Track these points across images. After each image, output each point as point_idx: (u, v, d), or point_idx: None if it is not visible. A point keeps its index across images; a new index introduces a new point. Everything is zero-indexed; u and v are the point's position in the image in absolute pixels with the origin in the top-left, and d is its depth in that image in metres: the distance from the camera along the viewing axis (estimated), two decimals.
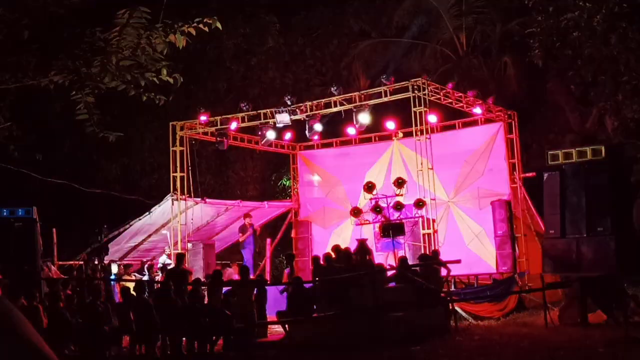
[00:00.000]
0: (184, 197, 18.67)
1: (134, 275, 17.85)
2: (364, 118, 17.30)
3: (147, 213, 19.01)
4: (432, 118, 17.96)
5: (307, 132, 18.39)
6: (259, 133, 19.06)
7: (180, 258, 15.74)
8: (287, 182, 24.43)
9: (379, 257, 16.62)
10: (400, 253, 16.24)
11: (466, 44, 24.34)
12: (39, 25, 7.38)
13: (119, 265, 18.52)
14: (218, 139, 18.96)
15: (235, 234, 22.42)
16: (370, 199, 17.56)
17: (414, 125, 16.73)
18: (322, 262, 14.53)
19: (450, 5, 23.87)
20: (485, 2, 23.75)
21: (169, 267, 16.69)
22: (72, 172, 23.16)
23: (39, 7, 7.22)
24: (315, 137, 19.87)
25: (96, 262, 17.05)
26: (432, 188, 16.53)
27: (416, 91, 16.58)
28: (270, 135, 18.88)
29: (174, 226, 18.71)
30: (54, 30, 7.61)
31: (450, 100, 17.91)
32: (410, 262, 14.35)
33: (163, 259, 18.71)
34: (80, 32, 7.61)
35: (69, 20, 7.69)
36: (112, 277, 17.42)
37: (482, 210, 18.46)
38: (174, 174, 18.79)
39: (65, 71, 7.64)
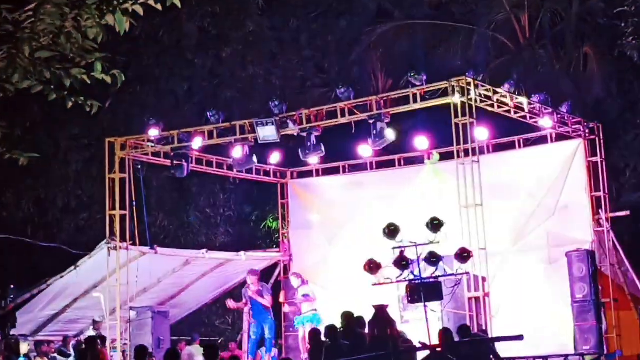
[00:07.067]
0: (125, 245, 18.64)
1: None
2: (389, 133, 17.36)
3: (72, 268, 18.95)
4: (482, 133, 18.00)
5: (302, 152, 18.41)
6: (232, 154, 19.05)
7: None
8: (274, 224, 24.42)
9: (405, 330, 16.57)
10: (437, 325, 16.18)
11: (529, 28, 24.49)
12: None
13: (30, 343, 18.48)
14: (175, 162, 18.95)
15: (198, 298, 22.42)
16: (393, 248, 17.52)
17: (455, 144, 16.75)
18: (323, 338, 14.47)
19: None
20: None
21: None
22: None
23: None
24: (315, 160, 19.89)
25: None
26: (482, 233, 16.52)
27: (458, 95, 16.63)
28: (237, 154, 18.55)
29: (110, 287, 18.65)
30: None
31: (507, 109, 17.96)
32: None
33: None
34: None
35: None
36: (21, 359, 17.34)
37: (554, 264, 18.45)
38: (112, 212, 18.77)
39: None
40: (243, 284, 22.25)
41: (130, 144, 19.21)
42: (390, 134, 17.39)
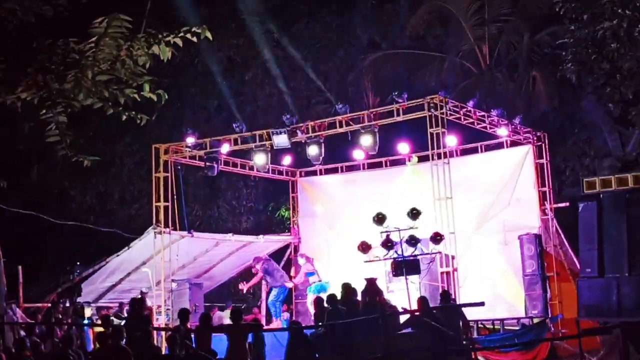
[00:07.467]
0: (168, 230, 18.64)
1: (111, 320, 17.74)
2: (366, 140, 17.38)
3: (126, 248, 18.99)
4: (451, 140, 18.00)
5: (308, 155, 18.42)
6: (253, 157, 19.08)
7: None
8: (286, 213, 24.41)
9: (390, 298, 16.55)
10: (416, 294, 16.16)
11: (489, 56, 24.42)
12: (4, 36, 7.44)
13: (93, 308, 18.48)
14: (207, 163, 18.98)
15: (226, 272, 22.38)
16: (381, 232, 17.51)
17: (430, 149, 16.76)
18: (326, 304, 14.44)
19: (471, 13, 23.97)
20: (511, 10, 23.86)
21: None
22: (40, 202, 23.20)
23: (5, 15, 7.28)
24: (318, 162, 19.91)
25: (67, 305, 16.98)
26: (451, 220, 16.50)
27: (433, 110, 16.63)
28: (259, 160, 18.80)
29: (156, 263, 18.67)
30: (22, 41, 7.66)
31: (471, 120, 17.95)
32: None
33: None
34: (52, 43, 7.66)
35: (39, 30, 7.74)
36: (86, 321, 17.34)
37: (509, 245, 18.42)
38: (157, 204, 18.78)
39: (35, 87, 7.67)
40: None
41: (172, 149, 19.22)
42: (366, 142, 17.41)
